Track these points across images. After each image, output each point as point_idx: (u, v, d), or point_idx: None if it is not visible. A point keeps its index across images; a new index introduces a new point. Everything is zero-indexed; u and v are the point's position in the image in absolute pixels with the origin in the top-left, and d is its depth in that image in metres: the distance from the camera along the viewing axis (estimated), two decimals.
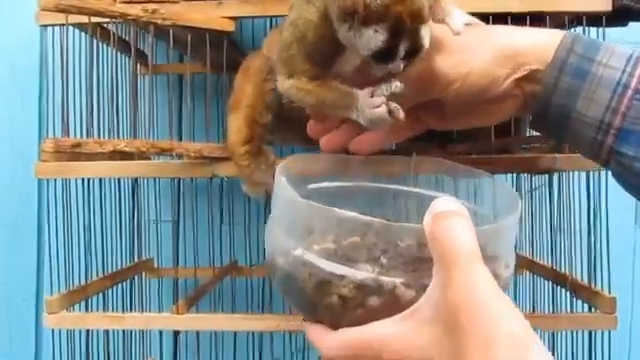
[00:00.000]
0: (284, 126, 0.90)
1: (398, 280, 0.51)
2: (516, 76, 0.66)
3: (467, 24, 0.71)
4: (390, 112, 0.70)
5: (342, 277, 0.52)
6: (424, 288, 0.49)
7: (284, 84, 0.78)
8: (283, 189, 0.59)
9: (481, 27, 0.72)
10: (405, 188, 0.79)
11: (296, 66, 0.76)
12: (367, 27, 0.67)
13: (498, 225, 0.59)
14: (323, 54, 0.75)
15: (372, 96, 0.71)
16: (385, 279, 0.51)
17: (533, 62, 0.65)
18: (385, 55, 0.69)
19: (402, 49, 0.68)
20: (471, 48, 0.68)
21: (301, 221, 0.57)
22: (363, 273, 0.52)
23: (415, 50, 0.69)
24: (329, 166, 0.78)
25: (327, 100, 0.75)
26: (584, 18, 0.90)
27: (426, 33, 0.70)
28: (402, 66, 0.69)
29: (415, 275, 0.51)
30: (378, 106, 0.70)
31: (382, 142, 0.76)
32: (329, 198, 0.75)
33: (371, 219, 0.53)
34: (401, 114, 0.70)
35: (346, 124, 0.75)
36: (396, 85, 0.71)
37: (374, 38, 0.68)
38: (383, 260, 0.52)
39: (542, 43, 0.66)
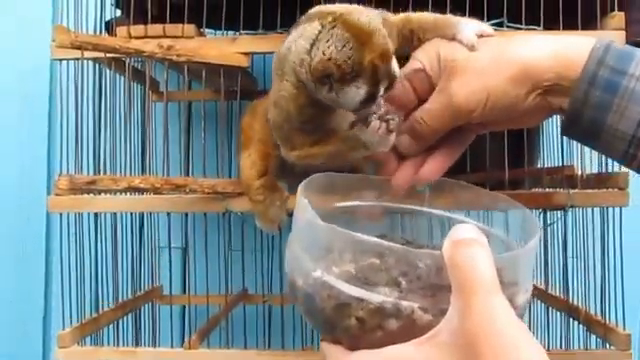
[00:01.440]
0: (287, 172, 0.91)
1: (416, 304, 0.51)
2: (537, 92, 0.65)
3: (480, 35, 0.71)
4: (387, 125, 0.72)
5: (361, 300, 0.52)
6: (441, 313, 0.50)
7: (289, 156, 0.82)
8: (304, 211, 0.59)
9: (496, 41, 0.71)
10: (425, 209, 0.78)
11: (294, 141, 0.80)
12: (347, 85, 0.70)
13: (517, 252, 0.59)
14: (312, 121, 0.78)
15: (367, 126, 0.73)
16: (403, 303, 0.51)
17: (554, 77, 0.64)
18: (369, 100, 0.72)
19: (382, 89, 0.72)
20: (486, 71, 0.67)
21: (321, 243, 0.57)
22: (381, 297, 0.52)
23: (392, 83, 0.72)
24: (348, 187, 0.77)
25: (333, 153, 0.78)
26: None
27: (396, 65, 0.72)
28: (382, 101, 0.72)
29: (433, 300, 0.51)
30: (378, 129, 0.72)
31: (448, 163, 0.76)
32: (350, 217, 0.76)
33: (392, 245, 0.53)
34: (393, 124, 0.72)
35: (408, 159, 0.76)
36: (376, 109, 0.73)
37: (357, 93, 0.70)
38: (403, 283, 0.52)
39: (567, 54, 0.64)
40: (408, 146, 0.75)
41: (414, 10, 0.80)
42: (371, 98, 0.71)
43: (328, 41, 0.71)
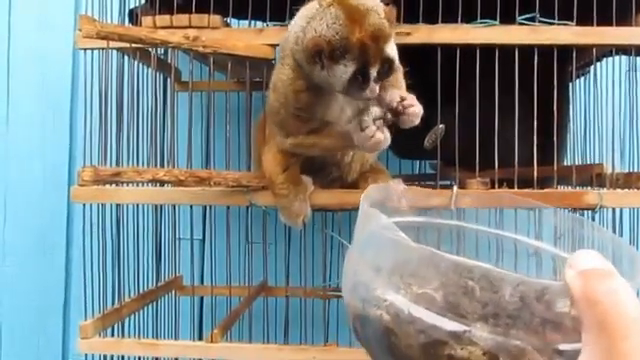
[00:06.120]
0: (306, 166, 0.92)
1: (525, 344, 0.42)
2: None
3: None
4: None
5: (459, 337, 0.42)
6: (556, 354, 0.42)
7: (284, 144, 0.85)
8: (384, 228, 0.48)
9: None
10: (484, 228, 0.70)
11: (289, 127, 0.83)
12: (337, 63, 0.73)
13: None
14: (307, 108, 0.80)
15: (362, 130, 0.75)
16: (512, 342, 0.42)
17: None
18: (359, 83, 0.74)
19: (374, 72, 0.73)
20: None
21: (402, 265, 0.47)
22: (480, 332, 0.42)
23: (387, 70, 0.74)
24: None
25: (329, 146, 0.82)
26: (633, 50, 0.89)
27: (392, 49, 0.74)
28: (377, 89, 0.74)
29: (540, 337, 0.43)
30: (372, 136, 0.75)
31: None
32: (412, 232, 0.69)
33: (509, 273, 0.43)
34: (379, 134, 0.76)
35: None
36: (375, 112, 0.76)
37: (345, 72, 0.73)
38: (501, 316, 0.43)
39: None
40: None
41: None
42: (361, 80, 0.73)
43: (322, 19, 0.73)
